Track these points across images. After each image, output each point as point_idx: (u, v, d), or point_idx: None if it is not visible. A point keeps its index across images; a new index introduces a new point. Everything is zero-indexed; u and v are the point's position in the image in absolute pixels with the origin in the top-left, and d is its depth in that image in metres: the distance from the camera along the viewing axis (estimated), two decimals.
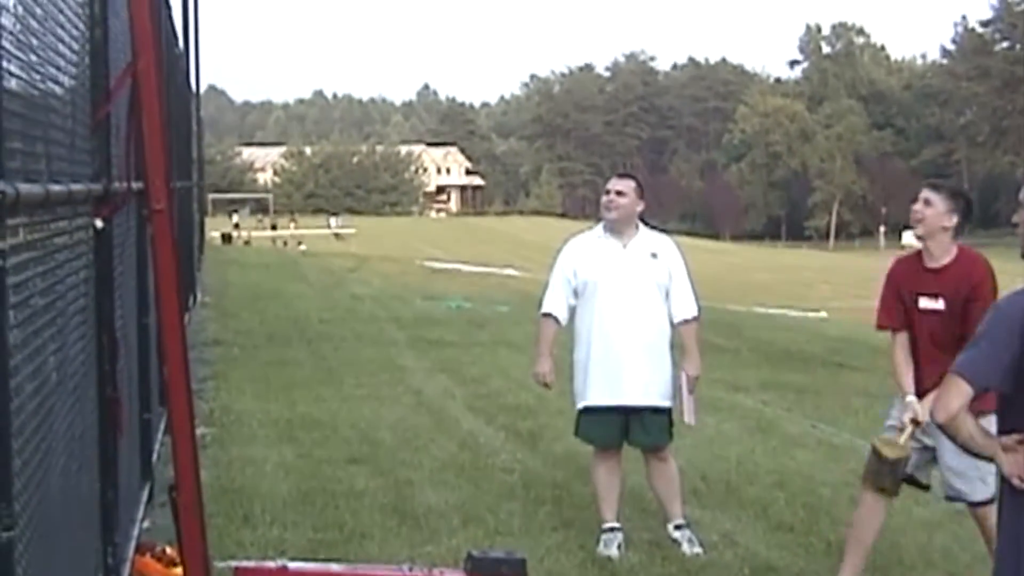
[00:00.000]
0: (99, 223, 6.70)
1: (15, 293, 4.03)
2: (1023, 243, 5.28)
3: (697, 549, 9.67)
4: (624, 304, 9.70)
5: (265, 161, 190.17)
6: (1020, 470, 5.01)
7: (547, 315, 10.09)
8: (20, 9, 4.32)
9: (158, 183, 7.19)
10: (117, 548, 7.37)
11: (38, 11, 4.78)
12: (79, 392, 5.92)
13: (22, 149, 4.24)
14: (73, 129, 5.71)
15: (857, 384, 19.73)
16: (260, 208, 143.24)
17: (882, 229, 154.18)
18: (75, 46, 6.02)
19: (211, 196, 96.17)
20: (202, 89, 36.82)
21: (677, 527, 9.85)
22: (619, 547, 9.59)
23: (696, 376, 9.98)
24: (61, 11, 5.62)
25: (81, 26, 6.34)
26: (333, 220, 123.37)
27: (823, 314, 40.11)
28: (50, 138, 4.92)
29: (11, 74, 4.07)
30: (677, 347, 10.07)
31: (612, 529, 9.72)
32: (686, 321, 9.97)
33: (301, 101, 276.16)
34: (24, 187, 4.16)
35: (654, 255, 9.89)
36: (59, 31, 5.55)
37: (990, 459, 5.14)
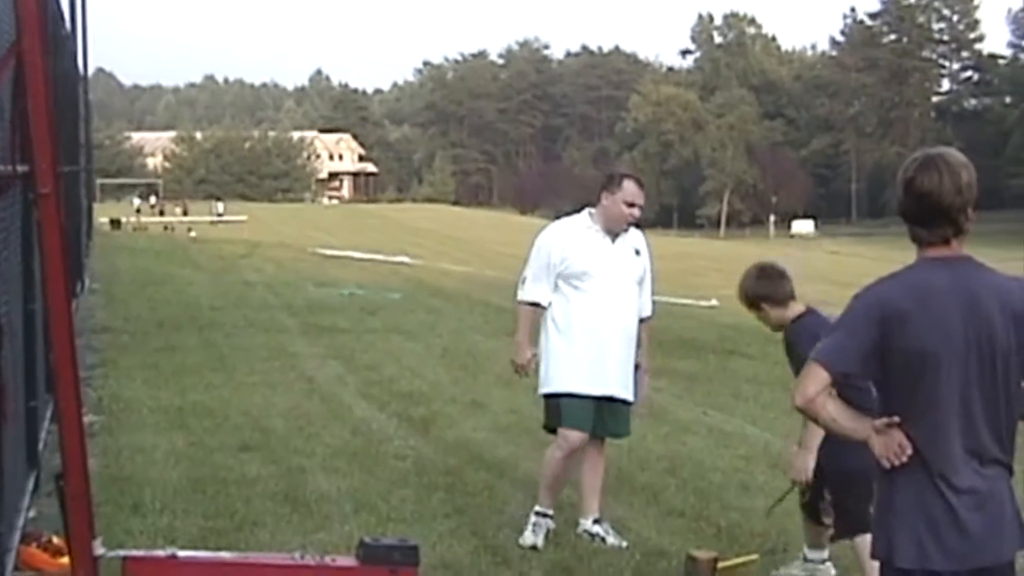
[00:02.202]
0: None
1: None
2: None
3: (624, 542, 9.63)
4: (614, 298, 9.61)
5: (155, 146, 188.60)
6: (889, 452, 5.11)
7: (531, 303, 9.78)
8: None
9: (44, 166, 7.08)
10: (2, 538, 7.29)
11: None
12: None
13: None
14: None
15: (747, 371, 19.85)
16: (150, 193, 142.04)
17: (772, 218, 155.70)
18: None
19: (100, 181, 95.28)
20: (90, 72, 36.48)
21: (596, 521, 9.81)
22: (545, 537, 9.52)
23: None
24: None
25: None
26: (219, 205, 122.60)
27: (714, 302, 40.34)
28: None
29: None
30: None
31: (545, 516, 9.62)
32: (644, 319, 9.95)
33: (192, 85, 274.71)
34: None
35: (637, 252, 9.85)
36: None
37: (861, 441, 5.20)
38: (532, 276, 9.82)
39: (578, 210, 10.04)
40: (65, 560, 8.08)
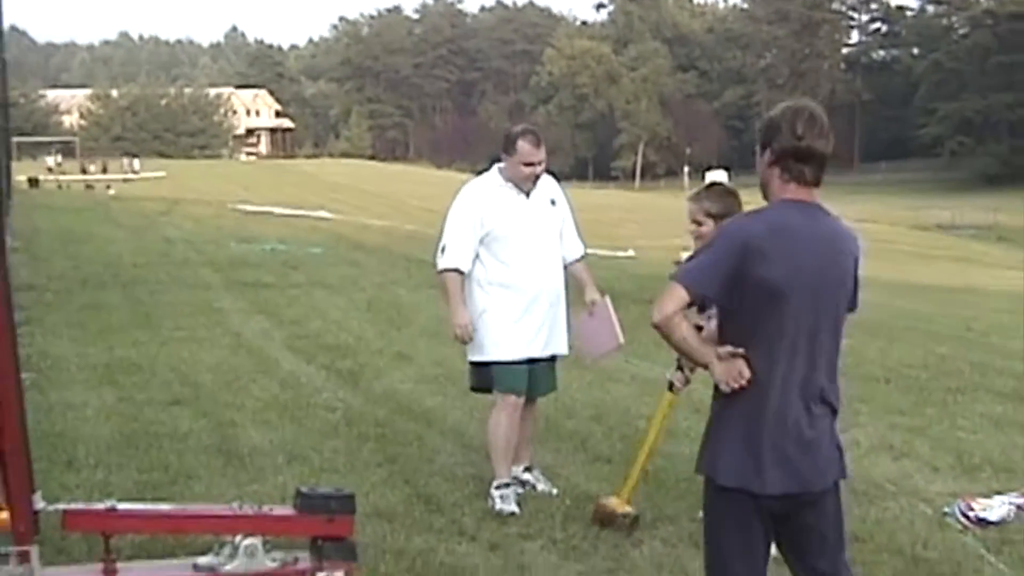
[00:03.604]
0: None
1: None
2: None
3: (554, 489, 9.70)
4: (537, 256, 9.52)
5: (71, 104, 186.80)
6: (729, 377, 5.37)
7: (452, 270, 9.52)
8: None
9: None
10: None
11: None
12: None
13: None
14: None
15: None
16: (67, 151, 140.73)
17: (686, 169, 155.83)
18: None
19: (16, 140, 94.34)
20: (4, 30, 36.05)
21: (527, 469, 9.85)
22: (516, 501, 9.36)
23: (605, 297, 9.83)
24: None
25: None
26: (135, 162, 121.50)
27: (631, 252, 40.59)
28: None
29: None
30: (572, 285, 9.89)
31: (507, 485, 9.44)
32: (578, 259, 9.86)
33: (107, 43, 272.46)
34: None
35: (553, 202, 9.75)
36: None
37: (703, 365, 5.48)
38: (451, 242, 9.61)
39: (487, 168, 9.96)
40: (3, 515, 8.10)
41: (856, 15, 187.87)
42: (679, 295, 5.34)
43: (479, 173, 9.97)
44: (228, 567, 7.54)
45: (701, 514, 8.64)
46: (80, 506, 7.82)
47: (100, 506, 7.77)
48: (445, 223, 9.73)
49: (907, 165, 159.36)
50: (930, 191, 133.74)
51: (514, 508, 9.23)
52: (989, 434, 11.88)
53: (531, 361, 9.59)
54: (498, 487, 9.38)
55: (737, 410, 5.48)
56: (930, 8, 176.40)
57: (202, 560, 7.58)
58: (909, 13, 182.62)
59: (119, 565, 7.47)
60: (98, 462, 10.21)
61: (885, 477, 10.23)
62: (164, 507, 8.14)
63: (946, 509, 9.25)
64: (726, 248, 5.42)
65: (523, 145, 9.47)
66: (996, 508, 9.16)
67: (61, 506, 7.68)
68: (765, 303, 5.38)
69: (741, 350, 5.40)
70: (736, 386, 5.40)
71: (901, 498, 9.61)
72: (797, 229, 5.46)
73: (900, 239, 76.22)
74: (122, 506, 7.80)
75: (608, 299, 9.40)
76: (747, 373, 5.39)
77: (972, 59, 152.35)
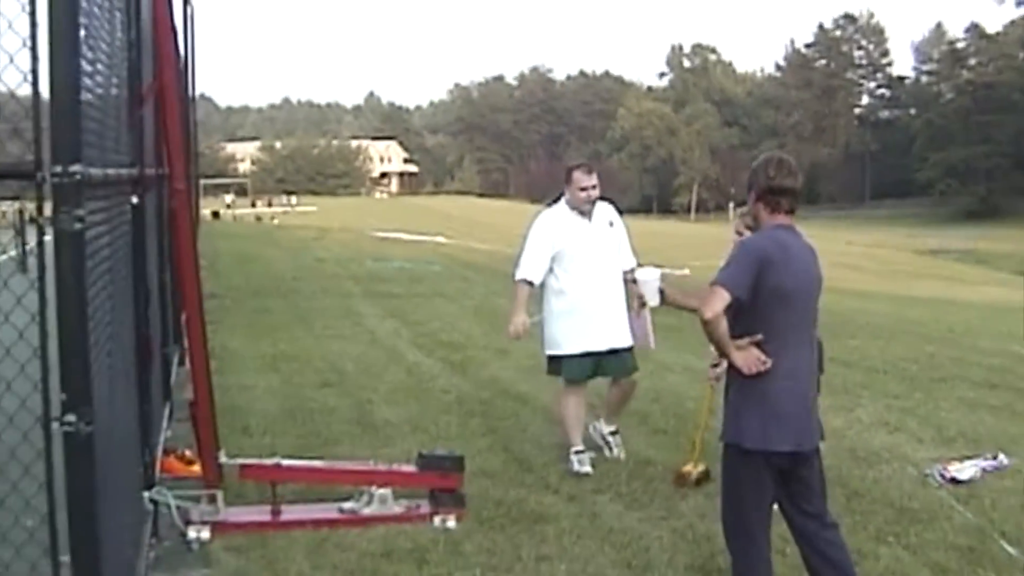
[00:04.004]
0: (135, 199, 6.79)
1: (89, 250, 4.19)
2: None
3: (622, 454, 9.72)
4: (597, 267, 9.57)
5: (244, 153, 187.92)
6: (747, 364, 5.66)
7: (525, 281, 9.65)
8: (91, 41, 4.46)
9: (179, 168, 7.34)
10: (151, 449, 7.52)
11: (103, 43, 4.92)
12: (125, 328, 6.05)
13: (93, 142, 4.39)
14: (118, 127, 5.83)
15: None
16: (240, 191, 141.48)
17: (731, 205, 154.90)
18: (120, 64, 6.12)
19: (202, 182, 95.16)
20: (197, 96, 36.54)
21: (613, 432, 9.87)
22: (592, 463, 9.39)
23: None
24: (115, 40, 5.73)
25: (124, 50, 6.42)
26: (293, 199, 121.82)
27: (686, 271, 40.37)
28: (106, 134, 5.05)
29: (87, 89, 4.22)
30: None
31: (581, 451, 9.46)
32: (631, 270, 9.79)
33: (273, 106, 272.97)
34: (94, 171, 4.33)
35: (611, 223, 9.80)
36: (114, 56, 5.68)
37: (728, 355, 5.76)
38: (526, 259, 9.72)
39: (557, 199, 9.99)
40: (194, 468, 8.34)
41: (865, 82, 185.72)
42: (723, 296, 5.58)
43: (549, 204, 10.06)
44: (366, 510, 7.76)
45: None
46: (253, 461, 8.07)
47: (269, 462, 8.03)
48: (524, 244, 9.86)
49: (907, 202, 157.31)
50: (924, 223, 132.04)
51: (588, 469, 9.27)
52: (963, 413, 11.84)
53: (599, 354, 9.63)
54: (575, 453, 9.41)
55: (755, 388, 5.70)
56: (924, 78, 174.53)
57: (346, 505, 7.81)
58: (907, 81, 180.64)
59: (283, 507, 7.71)
60: (266, 429, 10.44)
61: (881, 446, 10.23)
62: (317, 463, 8.36)
63: (927, 471, 9.26)
64: (749, 260, 5.71)
65: (577, 175, 9.64)
66: (966, 470, 9.18)
67: (239, 461, 7.93)
68: (776, 302, 5.66)
69: (759, 337, 5.66)
70: (756, 370, 5.64)
71: (893, 463, 9.61)
72: (791, 245, 5.79)
73: (901, 261, 75.38)
74: (285, 462, 8.06)
75: (647, 311, 8.95)
76: (765, 359, 5.65)
77: (957, 118, 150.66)
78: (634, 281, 7.37)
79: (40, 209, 3.98)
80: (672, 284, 6.93)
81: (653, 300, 6.92)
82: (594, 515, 8.09)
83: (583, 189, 9.62)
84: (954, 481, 8.99)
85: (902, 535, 7.61)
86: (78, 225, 3.91)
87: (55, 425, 3.96)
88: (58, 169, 3.85)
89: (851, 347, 16.99)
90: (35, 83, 3.98)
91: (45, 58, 3.92)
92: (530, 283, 9.70)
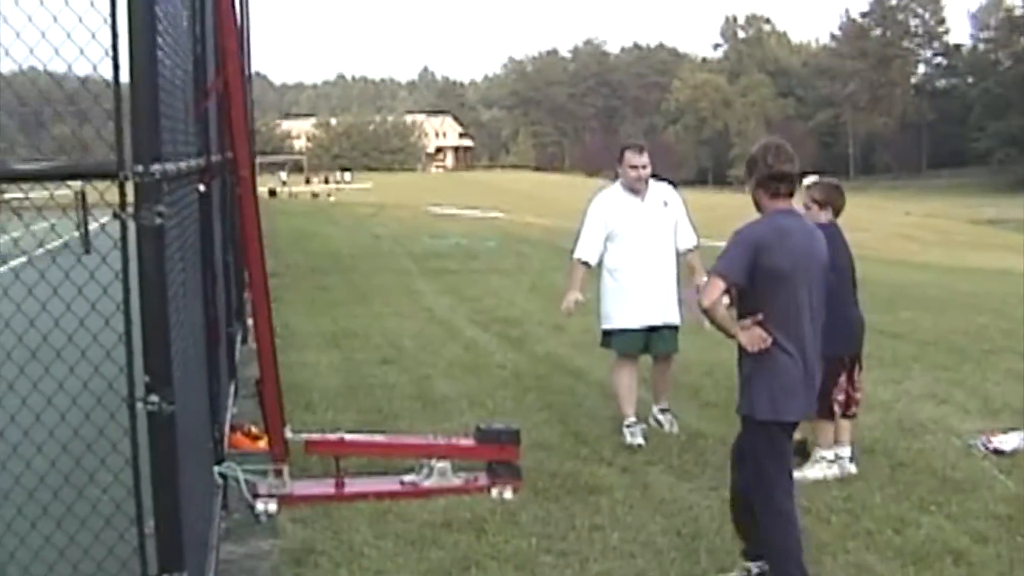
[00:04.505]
0: (202, 187, 7.06)
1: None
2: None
3: (676, 428, 9.93)
4: (650, 246, 9.78)
5: (300, 131, 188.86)
6: (752, 342, 6.04)
7: (580, 261, 9.98)
8: (165, 40, 4.72)
9: (243, 156, 7.65)
10: (220, 426, 7.82)
11: (171, 40, 5.19)
12: (195, 311, 6.33)
13: (166, 138, 4.66)
14: (186, 119, 6.10)
15: None
16: (296, 168, 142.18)
17: None
18: (187, 57, 6.38)
19: (258, 160, 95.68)
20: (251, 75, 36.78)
21: (663, 410, 10.11)
22: (644, 434, 9.65)
23: None
24: (182, 35, 6.01)
25: (190, 44, 6.68)
26: (347, 175, 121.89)
27: None
28: (176, 128, 5.31)
29: (162, 88, 4.50)
30: (684, 268, 10.16)
31: (634, 423, 9.71)
32: (691, 249, 10.10)
33: (327, 82, 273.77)
34: (170, 166, 4.63)
35: (665, 203, 9.99)
36: (182, 50, 5.95)
37: (732, 335, 6.11)
38: (583, 239, 10.03)
39: (614, 180, 10.29)
40: (260, 443, 8.67)
41: (922, 51, 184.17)
42: (719, 284, 6.01)
43: (614, 180, 10.26)
44: (427, 483, 8.06)
45: (796, 434, 8.93)
46: (318, 436, 8.39)
47: (332, 436, 8.35)
48: (581, 222, 10.16)
49: (964, 172, 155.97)
50: (982, 193, 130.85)
51: (640, 440, 9.51)
52: (1010, 386, 11.95)
53: (651, 329, 9.86)
54: (628, 425, 9.66)
55: (761, 363, 6.08)
56: (981, 46, 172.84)
57: (407, 477, 8.11)
58: (964, 49, 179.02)
59: (346, 479, 8.02)
60: (329, 405, 10.72)
61: (927, 418, 10.39)
62: (379, 437, 8.66)
63: (971, 441, 9.43)
64: (742, 247, 6.07)
65: (628, 154, 9.86)
66: (1010, 441, 9.34)
67: (304, 436, 8.25)
68: (775, 283, 6.02)
69: (760, 316, 6.02)
70: (760, 348, 6.03)
71: (938, 434, 9.78)
72: (789, 229, 6.13)
73: (958, 231, 74.95)
74: (348, 437, 8.37)
75: (697, 289, 9.35)
76: (768, 337, 6.02)
77: (1015, 86, 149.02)
78: (697, 290, 7.63)
79: (123, 204, 4.26)
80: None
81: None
82: (646, 486, 8.31)
83: (633, 167, 9.85)
84: (997, 452, 9.15)
85: (944, 504, 7.81)
86: (159, 220, 4.20)
87: (139, 405, 4.25)
88: (139, 168, 4.14)
89: (903, 319, 17.12)
90: (116, 87, 4.26)
91: (125, 62, 4.21)
92: (585, 263, 10.00)
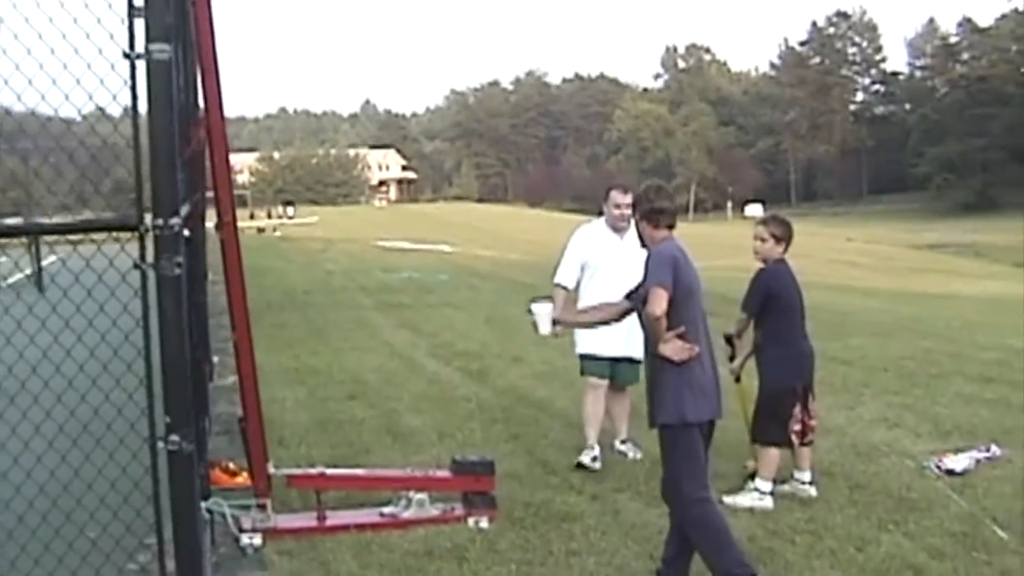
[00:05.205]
0: (187, 232, 7.32)
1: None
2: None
3: (639, 455, 10.29)
4: (619, 281, 9.84)
5: (242, 164, 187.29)
6: (677, 352, 6.73)
7: (560, 285, 10.42)
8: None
9: (226, 202, 7.94)
10: (205, 462, 8.07)
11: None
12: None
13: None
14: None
15: (719, 327, 20.25)
16: (240, 202, 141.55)
17: (729, 204, 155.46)
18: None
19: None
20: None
21: (623, 441, 10.53)
22: (601, 460, 10.06)
23: None
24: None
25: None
26: (290, 209, 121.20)
27: None
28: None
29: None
30: None
31: (591, 447, 10.14)
32: None
33: (269, 116, 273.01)
34: (183, 209, 4.93)
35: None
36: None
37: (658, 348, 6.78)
38: (561, 266, 10.54)
39: (599, 214, 10.74)
40: (239, 479, 8.92)
41: (860, 79, 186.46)
42: (664, 295, 6.68)
43: (599, 214, 10.79)
44: (406, 514, 8.35)
45: (750, 463, 9.30)
46: (299, 471, 8.66)
47: (313, 471, 8.61)
48: (563, 252, 10.66)
49: (904, 197, 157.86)
50: (922, 217, 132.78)
51: (594, 464, 9.98)
52: (959, 408, 12.40)
53: (615, 360, 10.32)
54: (587, 448, 10.16)
55: (683, 372, 6.79)
56: (918, 73, 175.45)
57: (386, 509, 8.39)
58: (901, 77, 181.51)
59: (327, 512, 8.29)
60: (300, 440, 10.91)
61: (881, 441, 10.82)
62: (359, 471, 8.96)
63: (924, 463, 9.87)
64: (667, 263, 6.81)
65: (613, 193, 10.40)
66: (961, 461, 9.79)
67: (285, 471, 8.52)
68: (686, 297, 6.78)
69: (682, 329, 6.73)
70: (685, 357, 6.73)
71: (892, 456, 10.21)
72: (684, 252, 6.92)
73: (900, 256, 75.77)
74: (329, 471, 8.64)
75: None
76: (692, 347, 6.74)
77: (951, 112, 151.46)
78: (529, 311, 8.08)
79: (143, 256, 4.56)
80: (567, 308, 7.89)
81: (544, 329, 7.86)
82: (616, 512, 8.65)
83: (618, 206, 10.34)
84: (950, 472, 9.59)
85: (901, 523, 8.23)
86: (177, 271, 4.50)
87: (160, 444, 4.53)
88: (160, 222, 4.44)
89: (852, 346, 17.55)
90: (136, 147, 4.57)
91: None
92: (564, 287, 10.49)
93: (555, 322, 7.92)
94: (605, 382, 10.42)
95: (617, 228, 10.38)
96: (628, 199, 10.18)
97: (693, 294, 6.85)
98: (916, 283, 47.03)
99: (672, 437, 6.85)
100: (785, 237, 9.19)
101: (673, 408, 6.78)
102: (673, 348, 6.72)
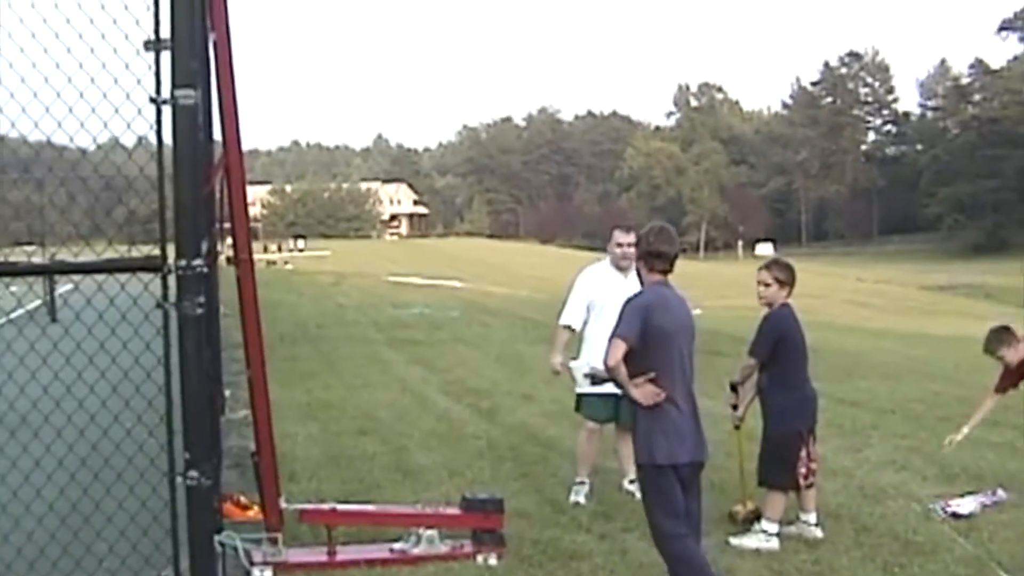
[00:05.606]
0: (205, 268, 7.44)
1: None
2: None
3: None
4: None
5: (254, 197, 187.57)
6: (645, 397, 6.93)
7: (565, 326, 10.67)
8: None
9: (243, 240, 8.07)
10: (219, 496, 8.15)
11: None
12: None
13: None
14: None
15: (727, 367, 20.27)
16: (252, 234, 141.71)
17: (740, 243, 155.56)
18: None
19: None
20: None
21: (631, 481, 10.44)
22: (586, 496, 10.27)
23: None
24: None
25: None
26: (300, 242, 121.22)
27: (698, 311, 40.53)
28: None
29: None
30: None
31: (582, 483, 10.40)
32: None
33: (282, 148, 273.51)
34: (203, 245, 5.05)
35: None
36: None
37: (628, 392, 7.01)
38: (567, 307, 10.74)
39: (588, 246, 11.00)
40: (250, 513, 9.00)
41: (872, 119, 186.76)
42: (621, 345, 6.92)
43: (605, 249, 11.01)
44: (416, 550, 8.43)
45: (739, 507, 9.38)
46: (311, 506, 8.74)
47: (325, 506, 8.70)
48: (569, 292, 10.84)
49: (915, 238, 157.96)
50: (932, 258, 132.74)
51: (581, 500, 10.23)
52: (965, 451, 12.40)
53: (618, 399, 10.35)
54: (577, 483, 10.42)
55: (657, 416, 6.98)
56: (929, 114, 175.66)
57: (396, 545, 8.47)
58: (913, 118, 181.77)
59: (338, 548, 8.37)
60: (311, 476, 10.98)
61: (888, 484, 10.88)
62: (369, 507, 9.04)
63: (931, 506, 9.94)
64: (637, 312, 7.00)
65: (617, 233, 10.63)
66: (967, 505, 9.87)
67: (298, 506, 8.60)
68: (661, 341, 6.96)
69: (652, 374, 6.90)
70: (653, 402, 6.92)
71: (899, 499, 10.26)
72: (668, 296, 7.12)
73: (910, 297, 75.87)
74: (340, 507, 8.73)
75: None
76: (661, 392, 6.91)
77: (963, 153, 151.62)
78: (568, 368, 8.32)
79: (165, 295, 4.68)
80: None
81: (582, 385, 8.80)
82: (624, 552, 8.70)
83: (619, 246, 10.51)
84: (955, 515, 9.66)
85: (907, 566, 8.28)
86: (199, 311, 4.62)
87: (179, 479, 4.64)
88: (183, 263, 4.57)
89: (861, 388, 17.63)
90: (161, 189, 4.70)
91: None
92: (569, 328, 10.71)
93: (593, 377, 8.05)
94: (599, 426, 10.56)
95: (621, 267, 10.51)
96: (631, 238, 10.36)
97: (670, 339, 7.03)
98: (926, 324, 47.08)
99: (644, 477, 7.20)
100: (789, 281, 9.27)
101: (644, 449, 7.07)
102: (642, 393, 6.95)
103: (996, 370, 10.74)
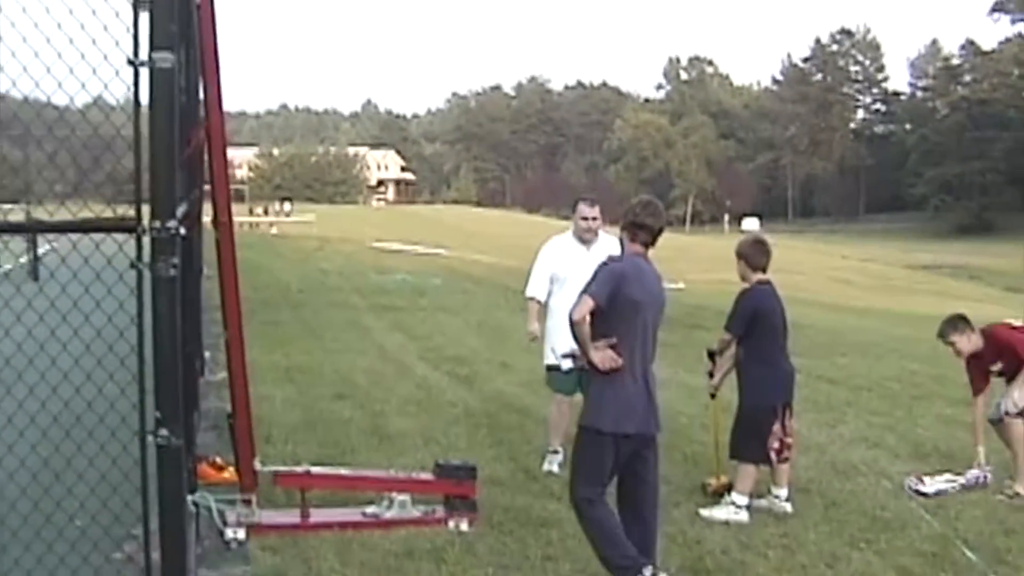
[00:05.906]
0: (183, 231, 7.49)
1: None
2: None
3: None
4: None
5: (241, 159, 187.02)
6: (603, 362, 6.99)
7: (532, 298, 10.85)
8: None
9: (223, 203, 8.11)
10: (193, 457, 8.23)
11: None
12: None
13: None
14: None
15: (707, 340, 20.32)
16: (238, 197, 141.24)
17: (726, 217, 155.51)
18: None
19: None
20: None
21: None
22: (559, 464, 10.31)
23: None
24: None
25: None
26: (287, 205, 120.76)
27: (681, 285, 40.69)
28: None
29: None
30: None
31: (556, 451, 10.50)
32: None
33: (270, 112, 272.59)
34: (180, 209, 5.09)
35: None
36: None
37: (587, 354, 7.05)
38: (532, 279, 10.91)
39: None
40: (225, 474, 9.07)
41: (861, 97, 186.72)
42: (589, 303, 6.96)
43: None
44: (388, 514, 8.51)
45: (711, 480, 9.49)
46: (285, 469, 8.81)
47: (299, 469, 8.77)
48: (533, 264, 10.98)
49: (901, 217, 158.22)
50: (918, 238, 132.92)
51: (553, 468, 10.34)
52: (939, 430, 12.59)
53: (581, 371, 10.46)
54: (549, 452, 10.59)
55: (611, 383, 7.05)
56: (919, 93, 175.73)
57: (369, 509, 8.55)
58: (903, 97, 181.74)
59: (311, 510, 8.45)
60: (287, 439, 11.05)
61: (860, 460, 11.00)
62: (343, 471, 9.12)
63: (901, 484, 10.08)
64: (611, 277, 7.07)
65: (581, 206, 10.70)
66: (937, 483, 9.99)
67: (272, 468, 8.67)
68: (629, 311, 7.04)
69: (614, 340, 6.97)
70: (610, 367, 6.97)
71: (870, 476, 10.40)
72: (643, 268, 7.20)
73: (894, 276, 75.95)
74: (315, 470, 8.80)
75: None
76: (618, 359, 6.98)
77: (951, 134, 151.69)
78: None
79: (140, 256, 4.72)
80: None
81: (548, 357, 8.94)
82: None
83: (584, 219, 10.59)
84: (924, 494, 9.78)
85: (873, 541, 8.41)
86: (173, 272, 4.66)
87: (150, 438, 4.69)
88: (157, 224, 4.61)
89: (840, 365, 17.76)
90: (137, 152, 4.73)
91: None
92: (537, 300, 10.86)
93: (574, 356, 8.05)
94: (569, 398, 10.56)
95: (584, 240, 10.63)
96: (595, 212, 10.62)
97: (638, 310, 7.10)
98: (910, 303, 47.19)
99: (581, 439, 7.24)
100: (750, 253, 9.45)
101: (591, 413, 7.17)
102: (600, 357, 7.01)
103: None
